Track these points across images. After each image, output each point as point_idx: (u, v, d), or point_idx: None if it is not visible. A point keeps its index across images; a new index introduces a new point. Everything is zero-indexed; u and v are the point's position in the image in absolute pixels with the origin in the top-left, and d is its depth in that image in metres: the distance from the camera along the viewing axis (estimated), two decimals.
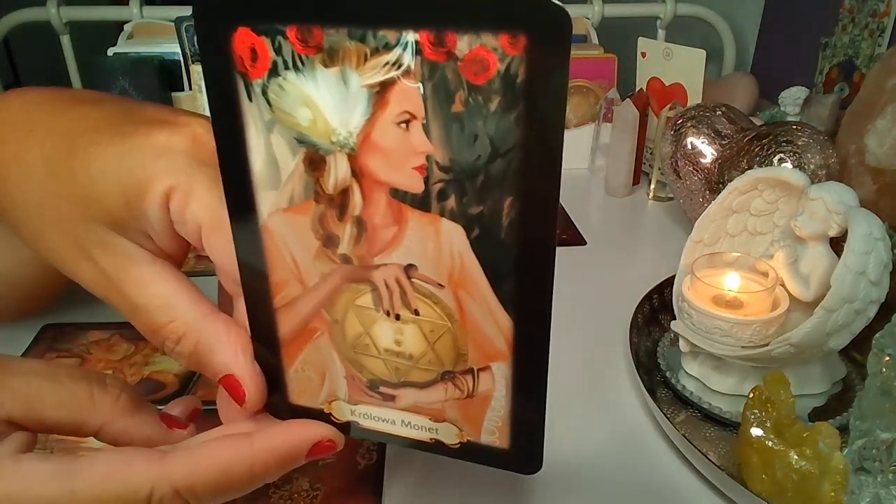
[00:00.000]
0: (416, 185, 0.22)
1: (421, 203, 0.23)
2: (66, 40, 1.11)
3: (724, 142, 0.68)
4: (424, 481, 0.41)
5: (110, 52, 0.98)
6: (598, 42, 1.11)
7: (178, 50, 0.95)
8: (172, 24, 0.96)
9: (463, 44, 0.20)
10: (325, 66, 0.21)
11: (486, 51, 0.20)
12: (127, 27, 1.04)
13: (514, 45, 0.19)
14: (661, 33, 1.20)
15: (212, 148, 0.28)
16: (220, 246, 0.28)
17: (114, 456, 0.25)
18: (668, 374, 0.50)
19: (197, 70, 0.90)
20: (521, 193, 0.22)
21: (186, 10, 0.98)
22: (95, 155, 0.28)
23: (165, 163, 0.27)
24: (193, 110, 0.36)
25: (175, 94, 0.97)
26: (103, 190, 0.27)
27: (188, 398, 0.33)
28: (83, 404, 0.27)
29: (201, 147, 0.28)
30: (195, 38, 0.94)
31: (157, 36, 1.02)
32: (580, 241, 0.73)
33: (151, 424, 0.29)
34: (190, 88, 0.96)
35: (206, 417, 0.30)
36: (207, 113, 0.25)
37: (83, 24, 1.11)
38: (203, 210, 0.27)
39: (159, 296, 0.28)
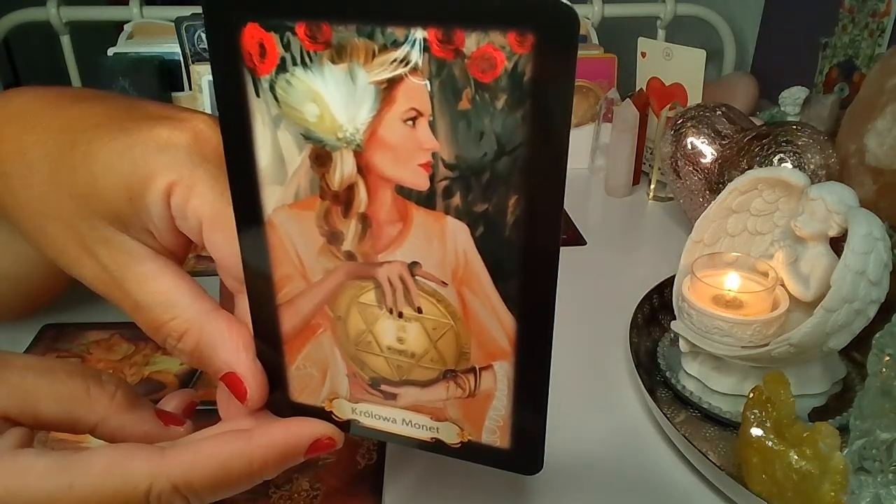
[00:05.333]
0: (421, 183, 0.23)
1: (426, 200, 0.23)
2: (66, 40, 1.11)
3: (724, 142, 0.68)
4: (424, 481, 0.41)
5: (110, 52, 0.97)
6: (598, 42, 1.11)
7: (178, 50, 0.95)
8: (172, 24, 0.96)
9: (471, 41, 0.20)
10: (334, 62, 0.21)
11: (494, 49, 0.20)
12: (127, 27, 1.04)
13: (521, 43, 0.19)
14: (661, 33, 1.20)
15: (213, 144, 0.28)
16: (222, 242, 0.28)
17: (112, 451, 0.25)
18: (668, 374, 0.50)
19: (197, 70, 0.90)
20: (526, 191, 0.22)
21: (186, 10, 0.98)
22: (97, 151, 0.28)
23: (167, 158, 0.27)
24: None
25: (175, 95, 0.97)
26: (105, 186, 0.27)
27: (184, 392, 0.32)
28: (79, 400, 0.27)
29: (203, 143, 0.28)
30: (199, 34, 0.94)
31: (157, 36, 1.02)
32: (580, 241, 0.73)
33: (148, 421, 0.29)
34: (190, 88, 0.96)
35: (206, 417, 0.29)
36: (209, 112, 0.25)
37: (83, 24, 1.11)
38: (204, 206, 0.27)
39: (161, 293, 0.28)
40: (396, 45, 0.20)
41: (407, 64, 0.21)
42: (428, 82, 0.21)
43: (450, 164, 0.22)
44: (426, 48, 0.20)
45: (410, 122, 0.22)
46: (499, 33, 0.19)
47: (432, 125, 0.21)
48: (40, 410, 0.26)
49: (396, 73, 0.21)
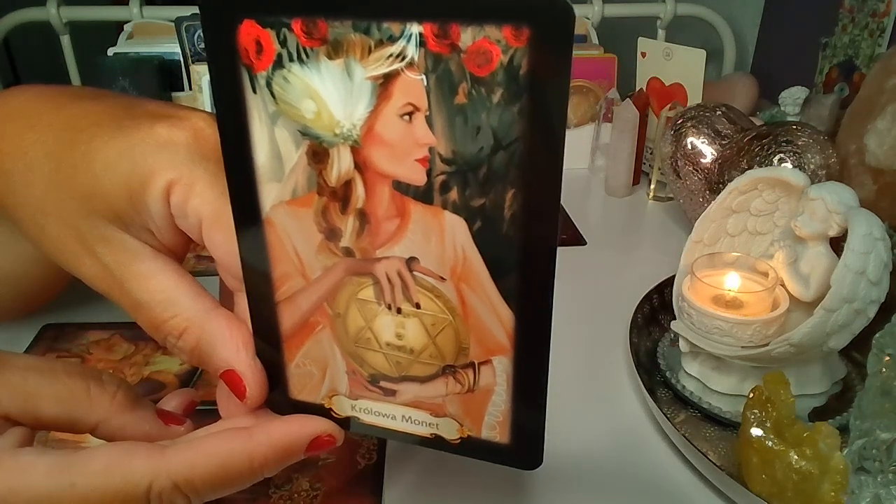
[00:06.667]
0: (418, 178, 0.23)
1: (423, 195, 0.23)
2: (66, 40, 1.11)
3: (724, 142, 0.68)
4: (424, 481, 0.41)
5: (110, 52, 0.97)
6: (598, 42, 1.11)
7: (178, 50, 0.95)
8: (172, 24, 0.96)
9: (467, 36, 0.20)
10: (330, 58, 0.21)
11: (490, 43, 0.20)
12: (127, 27, 1.04)
13: (517, 37, 0.19)
14: (661, 33, 1.20)
15: (213, 142, 0.28)
16: (221, 240, 0.28)
17: (113, 450, 0.25)
18: (668, 374, 0.50)
19: (197, 70, 0.90)
20: (523, 186, 0.22)
21: (186, 10, 0.98)
22: (97, 150, 0.28)
23: (166, 156, 0.28)
24: None
25: (175, 94, 0.97)
26: (105, 184, 0.27)
27: (184, 391, 0.33)
28: (80, 400, 0.27)
29: (202, 141, 0.28)
30: (199, 34, 0.94)
31: (157, 36, 1.02)
32: (580, 241, 0.73)
33: (148, 421, 0.29)
34: (190, 88, 0.96)
35: (206, 417, 0.29)
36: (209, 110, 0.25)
37: (83, 24, 1.11)
38: (204, 204, 0.27)
39: (161, 291, 0.28)
40: (392, 40, 0.20)
41: (403, 59, 0.21)
42: (424, 77, 0.21)
43: (447, 159, 0.22)
44: (422, 43, 0.20)
45: (407, 118, 0.22)
46: (494, 27, 0.19)
47: (429, 120, 0.21)
48: (41, 411, 0.26)
49: (393, 69, 0.21)
